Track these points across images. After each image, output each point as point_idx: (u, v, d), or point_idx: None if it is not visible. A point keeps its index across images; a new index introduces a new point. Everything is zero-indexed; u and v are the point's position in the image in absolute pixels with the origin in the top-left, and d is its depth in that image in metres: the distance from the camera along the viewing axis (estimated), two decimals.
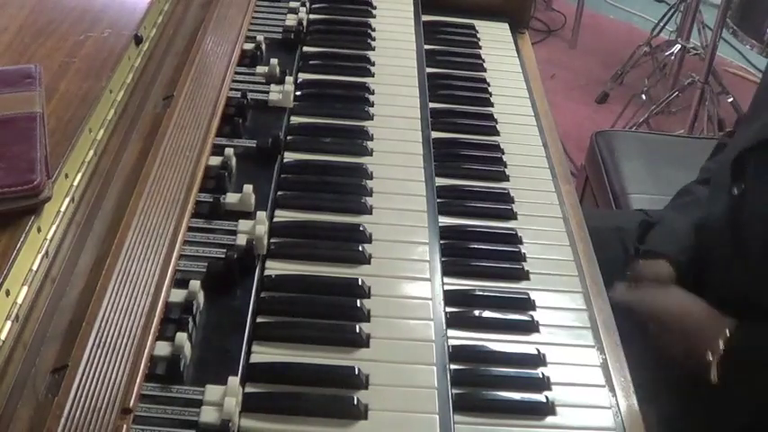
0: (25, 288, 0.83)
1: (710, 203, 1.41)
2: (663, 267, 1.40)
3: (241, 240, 1.05)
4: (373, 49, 1.56)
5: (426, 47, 1.62)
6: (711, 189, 1.45)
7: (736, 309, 1.24)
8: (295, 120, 1.35)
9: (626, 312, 1.28)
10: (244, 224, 1.07)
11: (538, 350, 1.04)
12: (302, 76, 1.46)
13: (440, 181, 1.28)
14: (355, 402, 0.90)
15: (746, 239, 1.27)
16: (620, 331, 1.10)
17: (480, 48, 1.68)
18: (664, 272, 1.39)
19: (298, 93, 1.39)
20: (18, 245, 0.82)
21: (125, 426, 0.77)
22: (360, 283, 1.06)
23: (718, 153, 1.57)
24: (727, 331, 1.22)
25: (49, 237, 0.89)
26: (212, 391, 0.87)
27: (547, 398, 0.98)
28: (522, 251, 1.19)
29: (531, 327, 1.07)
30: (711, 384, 1.21)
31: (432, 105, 1.46)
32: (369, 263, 1.10)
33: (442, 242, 1.16)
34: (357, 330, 0.99)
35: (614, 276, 1.35)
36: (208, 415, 0.85)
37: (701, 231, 1.42)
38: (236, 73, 1.35)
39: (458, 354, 1.01)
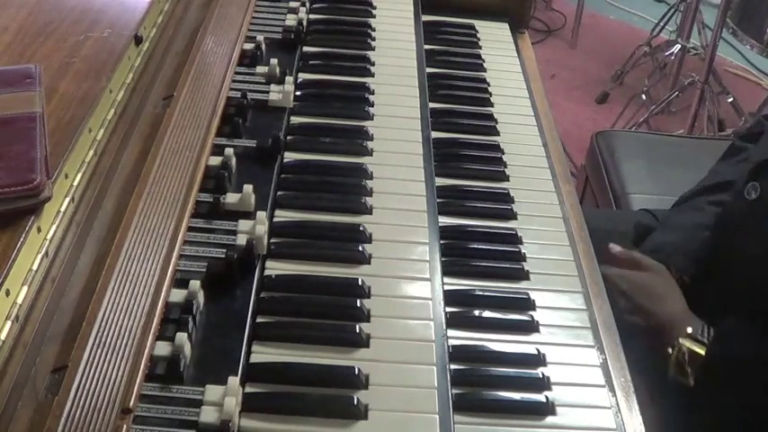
0: (25, 288, 0.83)
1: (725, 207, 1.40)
2: (662, 270, 1.40)
3: (241, 240, 1.05)
4: (373, 49, 1.56)
5: (426, 47, 1.62)
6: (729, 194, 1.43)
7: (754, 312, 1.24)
8: (295, 120, 1.35)
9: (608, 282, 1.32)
10: (244, 224, 1.07)
11: (538, 350, 1.04)
12: (302, 76, 1.46)
13: (440, 181, 1.28)
14: (355, 402, 0.90)
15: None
16: (621, 332, 1.10)
17: (480, 48, 1.68)
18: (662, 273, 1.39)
19: (298, 93, 1.39)
20: (18, 245, 0.82)
21: (125, 426, 0.77)
22: (360, 283, 1.06)
23: (731, 155, 1.54)
24: (689, 329, 1.25)
25: (49, 237, 0.89)
26: (212, 391, 0.87)
27: (547, 398, 0.98)
28: (522, 251, 1.19)
29: (531, 327, 1.07)
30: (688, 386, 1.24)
31: (432, 105, 1.46)
32: (369, 263, 1.10)
33: (442, 242, 1.16)
34: (357, 330, 0.99)
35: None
36: (208, 415, 0.85)
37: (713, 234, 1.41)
38: (236, 73, 1.35)
39: (458, 354, 1.01)
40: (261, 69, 1.39)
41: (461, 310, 1.08)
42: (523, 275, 1.15)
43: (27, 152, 0.88)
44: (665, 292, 1.35)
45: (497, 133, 1.43)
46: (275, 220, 1.15)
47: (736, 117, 3.22)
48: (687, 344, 1.25)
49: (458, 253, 1.17)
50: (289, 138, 1.30)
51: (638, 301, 1.33)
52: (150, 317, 0.87)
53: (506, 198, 1.28)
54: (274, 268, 1.07)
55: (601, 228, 1.44)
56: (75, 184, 0.97)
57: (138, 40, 1.19)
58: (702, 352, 1.24)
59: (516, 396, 0.98)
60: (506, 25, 1.77)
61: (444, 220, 1.21)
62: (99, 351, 0.79)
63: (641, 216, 1.67)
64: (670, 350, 1.25)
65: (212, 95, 1.22)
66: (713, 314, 1.29)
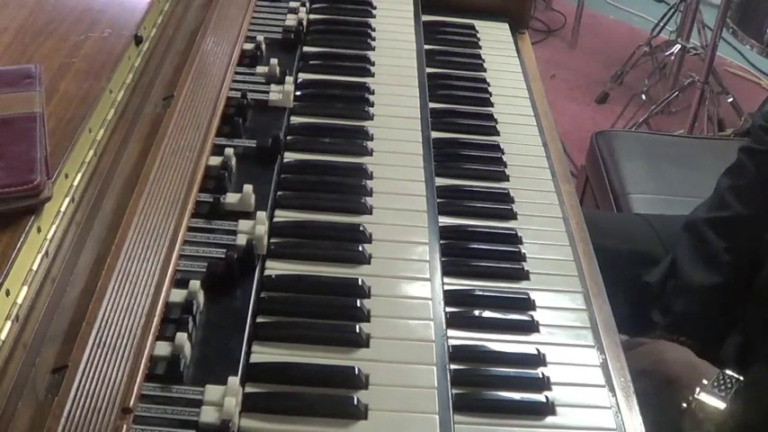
0: (25, 288, 0.83)
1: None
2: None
3: (241, 240, 1.05)
4: (373, 49, 1.56)
5: (426, 47, 1.62)
6: None
7: None
8: (295, 120, 1.35)
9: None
10: (244, 224, 1.07)
11: (538, 350, 1.04)
12: (302, 76, 1.46)
13: (440, 181, 1.28)
14: (355, 402, 0.90)
15: None
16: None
17: (480, 48, 1.68)
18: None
19: (298, 93, 1.39)
20: (18, 245, 0.82)
21: (125, 426, 0.77)
22: (360, 283, 1.06)
23: (734, 171, 1.49)
24: (704, 380, 1.22)
25: (49, 237, 0.89)
26: (212, 391, 0.87)
27: (547, 398, 0.98)
28: (522, 251, 1.19)
29: (531, 327, 1.07)
30: None
31: (432, 105, 1.46)
32: (369, 263, 1.10)
33: (442, 242, 1.16)
34: (357, 330, 0.99)
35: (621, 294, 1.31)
36: (208, 415, 0.85)
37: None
38: (236, 73, 1.35)
39: (458, 354, 1.01)
40: (261, 69, 1.39)
41: (461, 310, 1.08)
42: (523, 275, 1.15)
43: (27, 152, 0.88)
44: (666, 347, 1.32)
45: (497, 133, 1.43)
46: (275, 220, 1.15)
47: (736, 117, 3.22)
48: (704, 398, 1.20)
49: (458, 253, 1.17)
50: (289, 138, 1.30)
51: (641, 365, 1.28)
52: (150, 317, 0.87)
53: (506, 198, 1.28)
54: (274, 268, 1.07)
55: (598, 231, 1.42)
56: (75, 184, 0.97)
57: (138, 40, 1.19)
58: (722, 406, 1.20)
59: (516, 396, 0.98)
60: (506, 25, 1.77)
61: (444, 220, 1.21)
62: (99, 351, 0.79)
63: (635, 221, 1.64)
64: (685, 405, 1.21)
65: (212, 95, 1.22)
66: (730, 363, 1.25)
